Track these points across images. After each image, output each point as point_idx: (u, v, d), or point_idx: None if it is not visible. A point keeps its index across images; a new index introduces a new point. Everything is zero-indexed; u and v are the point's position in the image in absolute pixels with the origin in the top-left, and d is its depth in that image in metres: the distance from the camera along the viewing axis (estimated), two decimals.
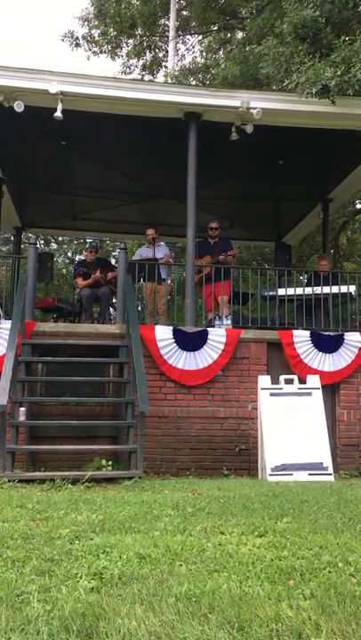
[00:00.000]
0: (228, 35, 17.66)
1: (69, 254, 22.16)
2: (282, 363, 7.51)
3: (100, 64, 24.77)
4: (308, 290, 8.49)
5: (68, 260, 21.66)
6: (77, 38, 17.46)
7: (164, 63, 17.80)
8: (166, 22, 16.94)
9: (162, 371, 7.18)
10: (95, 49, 17.70)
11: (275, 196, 11.03)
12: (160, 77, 17.41)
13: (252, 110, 7.51)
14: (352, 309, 8.84)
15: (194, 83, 15.65)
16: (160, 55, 18.31)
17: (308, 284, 8.81)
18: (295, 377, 7.11)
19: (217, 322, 8.31)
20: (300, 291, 8.52)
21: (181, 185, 8.07)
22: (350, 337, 7.68)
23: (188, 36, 18.70)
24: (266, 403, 6.80)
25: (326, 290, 8.35)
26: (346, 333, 7.74)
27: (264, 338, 7.58)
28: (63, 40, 17.53)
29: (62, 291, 18.12)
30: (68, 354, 7.08)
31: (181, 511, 4.08)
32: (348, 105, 7.54)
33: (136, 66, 18.59)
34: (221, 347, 7.30)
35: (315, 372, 7.37)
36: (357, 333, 7.74)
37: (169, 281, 9.38)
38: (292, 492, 5.04)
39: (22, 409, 6.57)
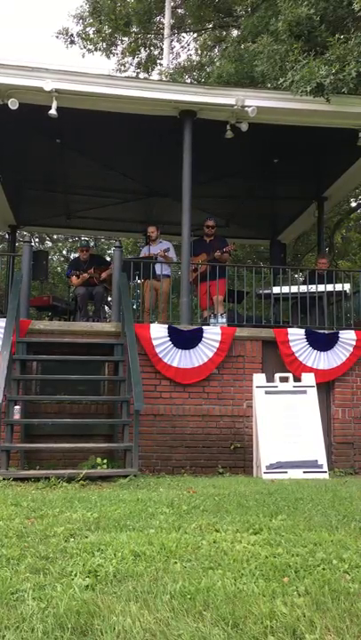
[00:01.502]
0: (224, 33, 17.65)
1: (64, 252, 22.14)
2: (277, 361, 7.52)
3: (94, 62, 24.67)
4: (304, 288, 8.51)
5: (62, 259, 21.64)
6: (72, 36, 17.44)
7: (159, 61, 17.79)
8: (161, 20, 16.94)
9: (157, 369, 7.18)
10: (90, 46, 17.67)
11: (270, 195, 11.04)
12: (155, 75, 17.41)
13: (246, 108, 7.51)
14: (347, 307, 8.86)
15: (189, 81, 15.65)
16: (155, 53, 18.32)
17: (307, 282, 8.81)
18: (290, 375, 7.13)
19: (212, 320, 8.32)
20: (295, 289, 8.53)
21: (177, 183, 8.06)
22: (345, 335, 7.70)
23: (184, 34, 18.71)
24: (261, 401, 6.81)
25: (321, 288, 8.37)
26: (341, 332, 7.76)
27: (259, 336, 7.59)
28: (58, 37, 17.53)
29: (57, 289, 18.12)
30: (64, 352, 7.07)
31: (176, 509, 4.08)
32: (342, 103, 7.55)
33: (131, 64, 18.60)
34: (216, 345, 7.31)
35: (310, 370, 7.38)
36: (352, 332, 7.75)
37: (168, 276, 9.33)
38: (287, 489, 5.06)
39: (17, 407, 6.55)
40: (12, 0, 37.53)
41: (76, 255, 10.48)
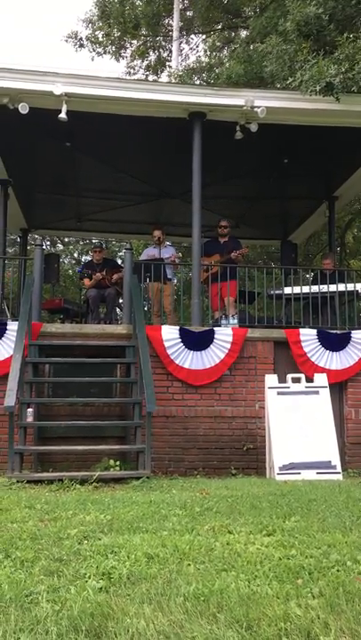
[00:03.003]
0: (232, 34, 17.65)
1: (75, 255, 22.21)
2: (289, 361, 7.49)
3: (104, 65, 24.79)
4: (315, 288, 8.48)
5: (74, 262, 21.70)
6: (81, 39, 17.52)
7: (168, 63, 17.82)
8: (170, 22, 16.96)
9: (169, 371, 7.18)
10: (99, 50, 17.74)
11: (280, 195, 11.01)
12: (164, 77, 17.45)
13: (256, 109, 7.50)
14: (359, 307, 8.81)
15: (198, 82, 15.65)
16: (164, 55, 18.36)
17: (315, 282, 8.78)
18: (302, 375, 7.10)
19: (223, 321, 8.31)
20: (306, 289, 8.50)
21: (186, 185, 8.07)
22: (357, 335, 7.65)
23: (192, 36, 18.72)
24: (273, 402, 6.79)
25: (333, 288, 8.33)
26: (353, 331, 7.71)
27: (271, 337, 7.56)
28: (67, 41, 17.62)
29: (68, 292, 18.16)
30: (75, 355, 7.09)
31: (189, 511, 4.08)
32: (352, 102, 7.51)
33: (140, 66, 18.66)
34: (228, 346, 7.30)
35: (322, 370, 7.34)
36: None
37: (175, 281, 9.38)
38: (301, 490, 5.03)
39: (30, 410, 6.59)
40: (20, 3, 37.77)
41: (88, 258, 10.52)
